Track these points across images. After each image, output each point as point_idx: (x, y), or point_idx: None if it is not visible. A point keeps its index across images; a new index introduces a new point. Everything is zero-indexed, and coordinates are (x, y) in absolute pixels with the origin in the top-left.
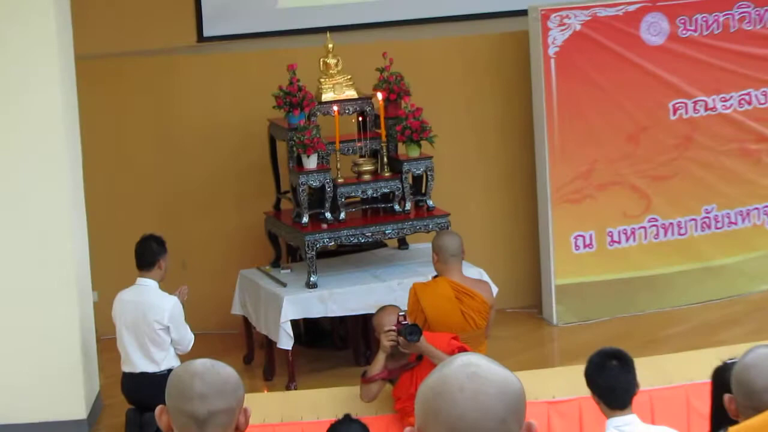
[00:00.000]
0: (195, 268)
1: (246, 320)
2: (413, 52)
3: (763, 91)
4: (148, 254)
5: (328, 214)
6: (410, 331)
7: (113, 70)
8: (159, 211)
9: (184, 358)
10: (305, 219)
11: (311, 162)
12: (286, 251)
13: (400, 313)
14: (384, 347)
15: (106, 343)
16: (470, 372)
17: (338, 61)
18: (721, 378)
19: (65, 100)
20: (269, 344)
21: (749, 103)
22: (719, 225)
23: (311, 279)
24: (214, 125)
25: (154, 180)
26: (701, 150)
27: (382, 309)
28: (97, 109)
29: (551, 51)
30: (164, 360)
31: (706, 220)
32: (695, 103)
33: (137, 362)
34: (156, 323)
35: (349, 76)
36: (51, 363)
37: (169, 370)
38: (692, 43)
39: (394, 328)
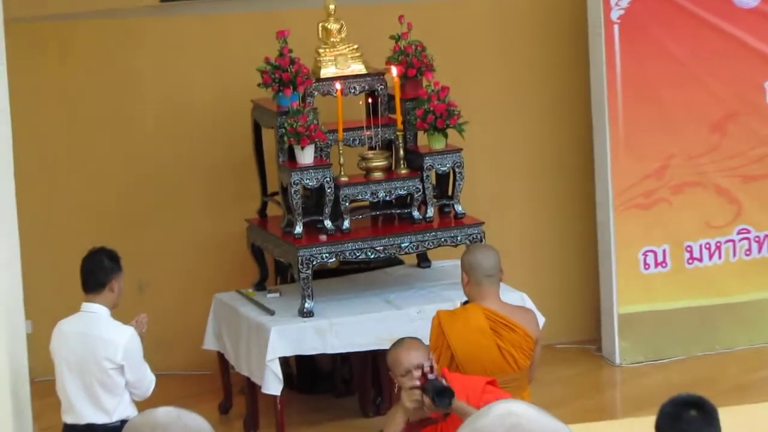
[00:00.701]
0: (156, 291)
1: (222, 357)
2: (437, 16)
3: None
4: (98, 273)
5: (328, 223)
6: (439, 391)
7: (54, 36)
8: (110, 217)
9: (142, 406)
10: (299, 228)
11: (307, 155)
12: (274, 270)
13: (426, 363)
14: (405, 408)
15: (42, 387)
16: (511, 424)
17: (342, 26)
18: None
19: None
20: (252, 389)
21: None
22: None
23: (306, 305)
24: (182, 108)
25: (105, 178)
26: None
27: (400, 343)
28: (31, 86)
29: (614, 15)
30: (117, 409)
31: None
32: None
33: (82, 411)
34: (107, 361)
35: (355, 46)
36: None
37: (123, 422)
38: None
39: (417, 383)
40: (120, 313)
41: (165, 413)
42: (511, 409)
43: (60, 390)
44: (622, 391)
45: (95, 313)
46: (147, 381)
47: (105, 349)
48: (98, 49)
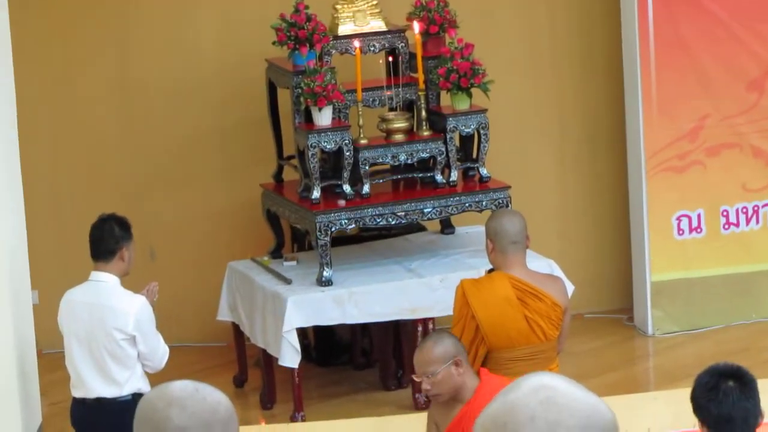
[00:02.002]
0: (168, 259)
1: (237, 329)
2: None
3: None
4: (108, 240)
5: (346, 187)
6: None
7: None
8: (120, 184)
9: (155, 380)
10: (316, 194)
11: (324, 117)
12: (291, 237)
13: (425, 378)
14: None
15: (50, 360)
16: (544, 397)
17: None
18: None
19: None
20: (268, 361)
21: None
22: None
23: (324, 274)
24: (193, 68)
25: (113, 142)
26: None
27: (432, 341)
28: (33, 51)
29: None
30: (128, 382)
31: None
32: None
33: (92, 385)
34: (117, 332)
35: (374, 2)
36: None
37: (135, 395)
38: None
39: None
40: (130, 283)
41: (181, 387)
42: (545, 381)
43: (69, 363)
44: (655, 362)
45: (104, 282)
46: (160, 352)
47: (115, 319)
48: (104, 8)
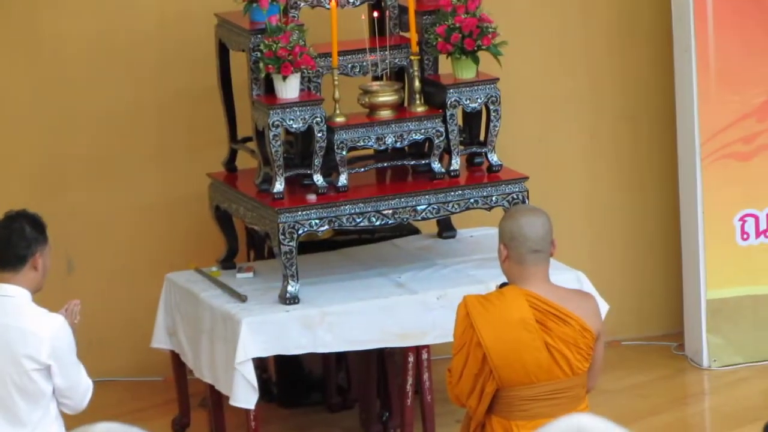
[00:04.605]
0: (89, 269)
1: (177, 359)
2: None
3: None
4: (17, 245)
5: (318, 178)
6: None
7: None
8: (29, 173)
9: (73, 423)
10: (279, 186)
11: (290, 88)
12: (246, 241)
13: None
14: None
15: None
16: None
17: None
18: None
19: None
20: (217, 401)
21: None
22: None
23: (289, 289)
24: (121, 26)
25: (20, 121)
26: None
27: None
28: None
29: None
30: (40, 424)
31: None
32: None
33: None
34: (28, 360)
35: None
36: None
37: None
38: None
39: None
40: (43, 299)
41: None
42: (582, 421)
43: None
44: (712, 403)
45: (12, 297)
46: (82, 388)
47: (25, 344)
48: None
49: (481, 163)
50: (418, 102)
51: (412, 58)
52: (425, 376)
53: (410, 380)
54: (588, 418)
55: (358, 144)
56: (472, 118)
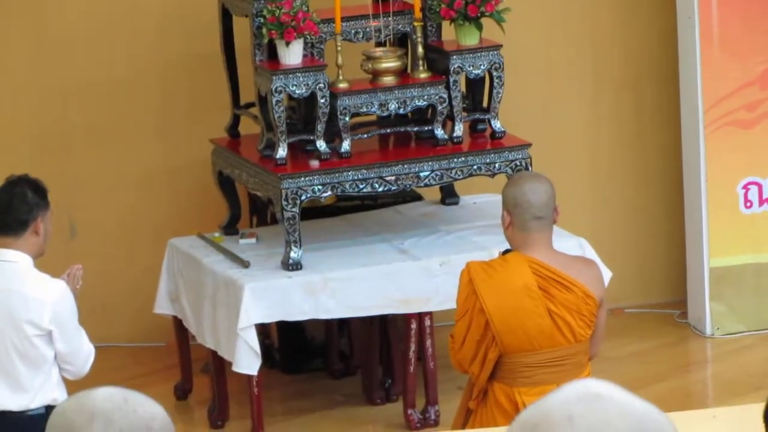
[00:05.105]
0: (92, 235)
1: (179, 325)
2: None
3: None
4: (18, 209)
5: (321, 144)
6: None
7: None
8: (30, 137)
9: (75, 388)
10: (282, 152)
11: (293, 54)
12: (249, 207)
13: None
14: None
15: None
16: (586, 396)
17: None
18: None
19: None
20: (219, 366)
21: None
22: None
23: (292, 255)
24: None
25: (21, 85)
26: None
27: None
28: None
29: None
30: (41, 390)
31: None
32: None
33: None
34: (30, 326)
35: None
36: None
37: (50, 409)
38: None
39: None
40: (44, 266)
41: (106, 397)
42: (589, 384)
43: None
44: (715, 370)
45: (13, 262)
46: (83, 353)
47: (27, 309)
48: None
49: (484, 129)
50: (421, 68)
51: (416, 24)
52: (428, 342)
53: (413, 347)
54: (599, 383)
55: (361, 110)
56: (475, 85)
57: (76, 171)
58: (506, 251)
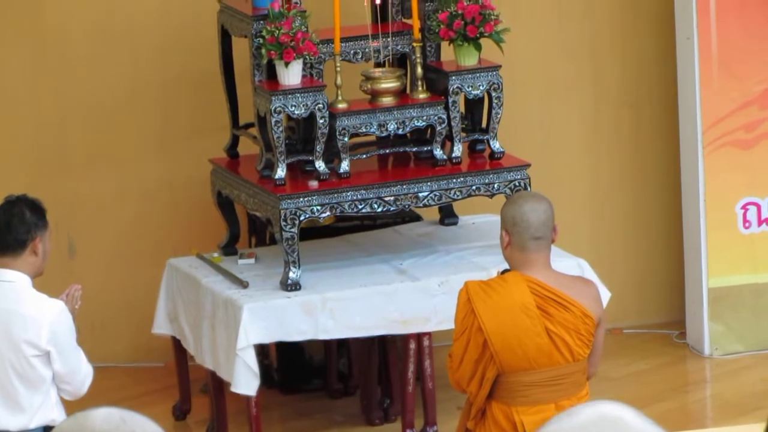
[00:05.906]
0: (91, 254)
1: (178, 345)
2: None
3: None
4: (17, 229)
5: (320, 164)
6: None
7: None
8: (30, 156)
9: (74, 408)
10: (281, 172)
11: (292, 74)
12: (248, 227)
13: None
14: None
15: None
16: (598, 418)
17: None
18: None
19: None
20: (218, 387)
21: None
22: None
23: (291, 275)
24: (123, 10)
25: (22, 104)
26: None
27: None
28: None
29: None
30: (40, 410)
31: None
32: None
33: None
34: (28, 346)
35: None
36: None
37: (48, 429)
38: None
39: None
40: (42, 285)
41: (104, 417)
42: (605, 411)
43: None
44: (714, 390)
45: (12, 282)
46: (81, 374)
47: (25, 329)
48: None
49: (483, 150)
50: (420, 89)
51: (415, 44)
52: (426, 362)
53: (411, 367)
54: (612, 405)
55: (360, 130)
56: (474, 105)
57: (75, 190)
58: (505, 271)
